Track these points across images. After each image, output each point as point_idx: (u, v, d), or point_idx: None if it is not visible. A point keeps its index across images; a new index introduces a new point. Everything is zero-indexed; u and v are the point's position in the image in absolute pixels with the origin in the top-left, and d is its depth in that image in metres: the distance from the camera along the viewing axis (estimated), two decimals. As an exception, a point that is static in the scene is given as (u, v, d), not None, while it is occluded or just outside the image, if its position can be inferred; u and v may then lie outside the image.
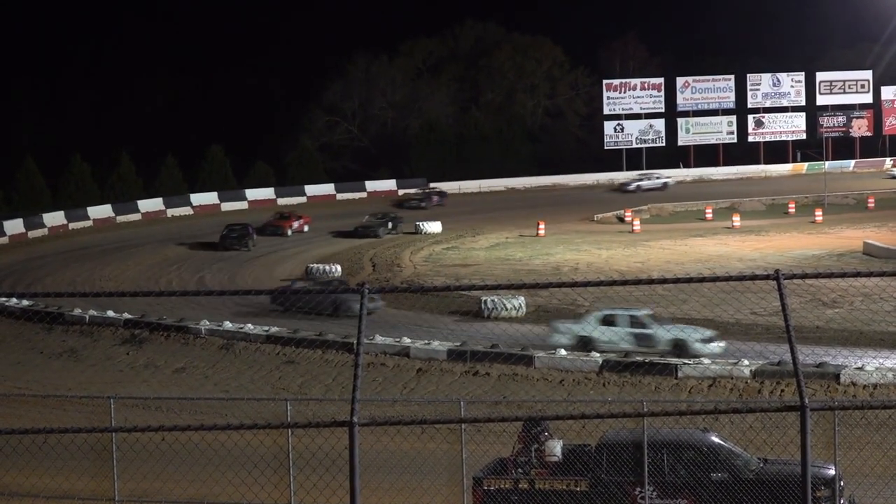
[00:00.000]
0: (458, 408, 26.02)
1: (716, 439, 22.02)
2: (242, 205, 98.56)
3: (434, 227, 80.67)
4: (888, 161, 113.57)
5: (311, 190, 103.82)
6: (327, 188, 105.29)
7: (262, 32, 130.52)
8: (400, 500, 21.99)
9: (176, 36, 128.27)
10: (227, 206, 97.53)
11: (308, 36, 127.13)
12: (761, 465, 21.59)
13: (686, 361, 36.99)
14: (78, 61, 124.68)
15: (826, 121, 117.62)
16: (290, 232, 79.89)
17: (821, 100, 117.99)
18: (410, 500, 21.95)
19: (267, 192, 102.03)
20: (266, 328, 45.05)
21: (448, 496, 21.47)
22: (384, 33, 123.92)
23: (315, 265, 64.06)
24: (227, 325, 45.67)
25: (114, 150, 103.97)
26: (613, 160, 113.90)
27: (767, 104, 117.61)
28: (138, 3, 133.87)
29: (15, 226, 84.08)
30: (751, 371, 36.06)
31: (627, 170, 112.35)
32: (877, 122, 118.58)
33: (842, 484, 20.71)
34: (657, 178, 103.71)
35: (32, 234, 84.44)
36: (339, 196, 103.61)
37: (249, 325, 45.58)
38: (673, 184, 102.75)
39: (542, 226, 77.58)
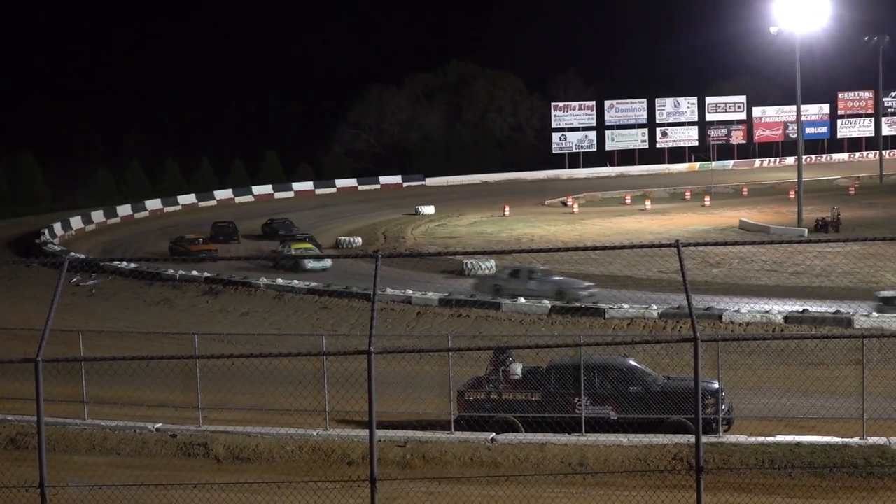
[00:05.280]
0: (446, 340, 26.06)
1: (633, 362, 22.03)
2: (290, 194, 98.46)
3: (429, 210, 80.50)
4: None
5: (340, 183, 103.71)
6: (351, 182, 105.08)
7: (305, 68, 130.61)
8: (405, 407, 22.00)
9: (242, 71, 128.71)
10: (278, 195, 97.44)
11: (338, 70, 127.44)
12: (666, 381, 21.61)
13: (611, 306, 36.96)
14: (169, 92, 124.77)
15: (713, 132, 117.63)
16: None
17: (709, 117, 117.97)
18: (412, 407, 21.96)
19: (308, 185, 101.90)
20: (307, 283, 45.02)
21: (439, 404, 21.49)
22: (393, 69, 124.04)
23: (343, 237, 64.00)
24: (279, 281, 45.59)
25: (196, 157, 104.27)
26: (559, 161, 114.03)
27: (670, 120, 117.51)
28: (221, 48, 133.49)
29: (125, 209, 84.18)
30: (658, 314, 36.07)
31: (570, 167, 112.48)
32: (749, 133, 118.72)
33: (723, 395, 20.75)
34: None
35: (138, 215, 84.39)
36: (360, 188, 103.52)
37: (295, 281, 45.50)
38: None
39: (507, 209, 77.53)
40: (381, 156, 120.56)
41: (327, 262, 49.55)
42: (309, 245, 56.14)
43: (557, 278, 41.05)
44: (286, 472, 18.25)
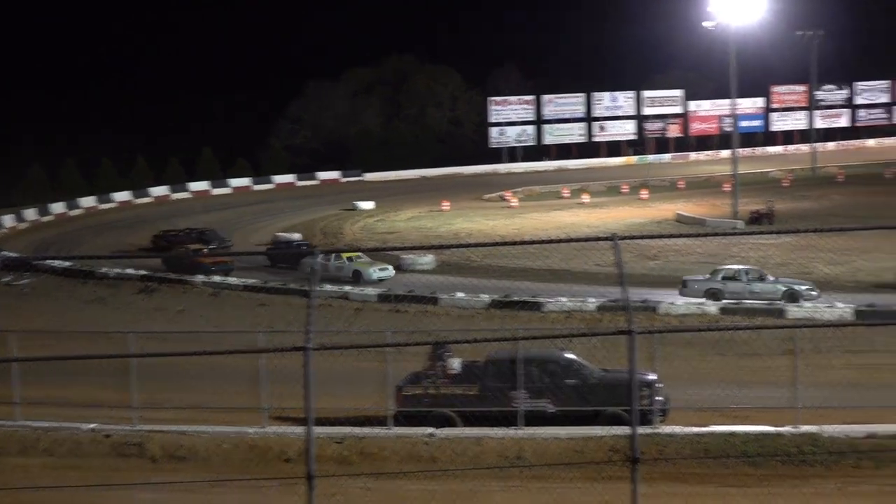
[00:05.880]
0: (385, 336, 26.06)
1: (570, 355, 22.19)
2: (227, 190, 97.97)
3: (368, 205, 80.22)
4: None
5: (278, 179, 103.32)
6: (289, 178, 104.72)
7: (242, 62, 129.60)
8: (343, 403, 21.97)
9: (177, 66, 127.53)
10: (216, 192, 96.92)
11: (278, 65, 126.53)
12: (602, 373, 21.80)
13: (549, 300, 37.13)
14: (103, 89, 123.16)
15: (649, 126, 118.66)
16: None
17: (646, 111, 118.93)
18: (350, 402, 21.93)
19: (245, 181, 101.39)
20: (244, 280, 44.69)
21: (377, 400, 21.49)
22: (331, 63, 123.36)
23: (281, 234, 63.62)
24: (216, 278, 45.24)
25: (130, 152, 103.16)
26: (498, 155, 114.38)
27: (607, 114, 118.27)
28: (155, 43, 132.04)
29: (59, 207, 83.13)
30: (595, 307, 36.35)
31: (509, 162, 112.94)
32: (685, 127, 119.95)
33: (659, 386, 21.00)
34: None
35: (72, 213, 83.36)
36: (298, 184, 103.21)
37: (232, 278, 45.17)
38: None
39: (445, 203, 77.50)
40: (319, 151, 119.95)
41: (391, 271, 46.33)
42: (357, 253, 48.53)
43: (772, 279, 38.64)
44: (223, 470, 18.17)
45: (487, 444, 18.99)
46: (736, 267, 39.82)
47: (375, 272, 45.72)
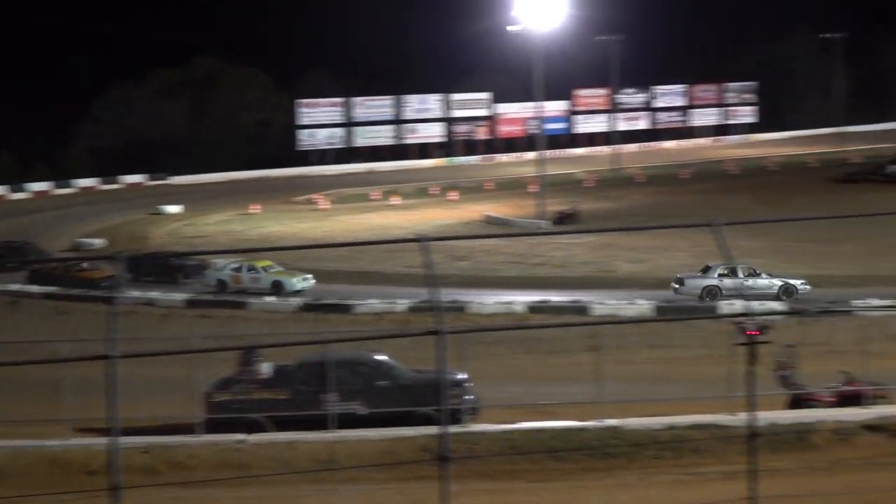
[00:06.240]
0: (193, 342, 25.62)
1: (381, 357, 22.32)
2: (25, 195, 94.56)
3: (175, 209, 78.46)
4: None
5: (80, 182, 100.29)
6: (92, 181, 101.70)
7: (41, 60, 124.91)
8: (152, 411, 21.45)
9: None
10: (13, 196, 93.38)
11: (77, 63, 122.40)
12: (414, 374, 22.00)
13: (359, 302, 37.21)
14: None
15: (458, 128, 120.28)
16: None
17: (454, 113, 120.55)
18: (158, 411, 21.44)
19: (45, 185, 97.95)
20: (44, 288, 43.06)
21: (186, 407, 21.09)
22: (134, 62, 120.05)
23: (83, 240, 61.59)
24: (13, 286, 43.43)
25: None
26: (307, 157, 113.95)
27: (418, 117, 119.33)
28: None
29: None
30: (406, 308, 36.62)
31: (320, 164, 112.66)
32: (493, 129, 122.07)
33: (469, 385, 21.32)
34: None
35: None
36: (102, 187, 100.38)
37: (33, 287, 43.49)
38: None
39: (255, 207, 76.43)
40: (124, 153, 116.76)
41: (312, 280, 43.72)
42: (270, 262, 45.34)
43: (766, 275, 38.58)
44: (22, 486, 17.48)
45: (300, 448, 18.90)
46: (730, 263, 38.88)
47: (298, 282, 43.39)
